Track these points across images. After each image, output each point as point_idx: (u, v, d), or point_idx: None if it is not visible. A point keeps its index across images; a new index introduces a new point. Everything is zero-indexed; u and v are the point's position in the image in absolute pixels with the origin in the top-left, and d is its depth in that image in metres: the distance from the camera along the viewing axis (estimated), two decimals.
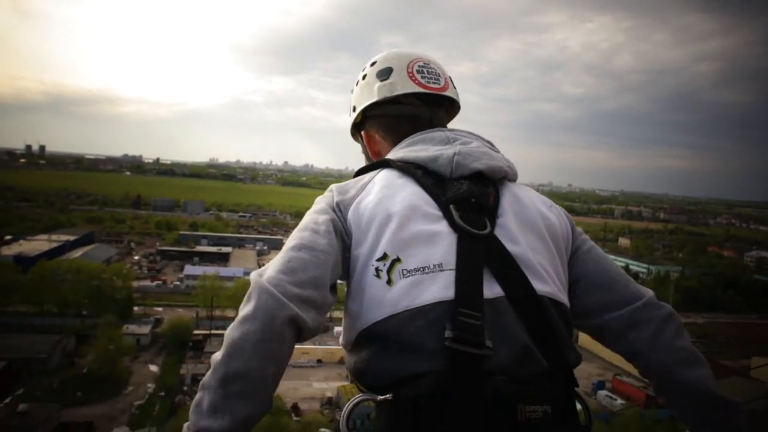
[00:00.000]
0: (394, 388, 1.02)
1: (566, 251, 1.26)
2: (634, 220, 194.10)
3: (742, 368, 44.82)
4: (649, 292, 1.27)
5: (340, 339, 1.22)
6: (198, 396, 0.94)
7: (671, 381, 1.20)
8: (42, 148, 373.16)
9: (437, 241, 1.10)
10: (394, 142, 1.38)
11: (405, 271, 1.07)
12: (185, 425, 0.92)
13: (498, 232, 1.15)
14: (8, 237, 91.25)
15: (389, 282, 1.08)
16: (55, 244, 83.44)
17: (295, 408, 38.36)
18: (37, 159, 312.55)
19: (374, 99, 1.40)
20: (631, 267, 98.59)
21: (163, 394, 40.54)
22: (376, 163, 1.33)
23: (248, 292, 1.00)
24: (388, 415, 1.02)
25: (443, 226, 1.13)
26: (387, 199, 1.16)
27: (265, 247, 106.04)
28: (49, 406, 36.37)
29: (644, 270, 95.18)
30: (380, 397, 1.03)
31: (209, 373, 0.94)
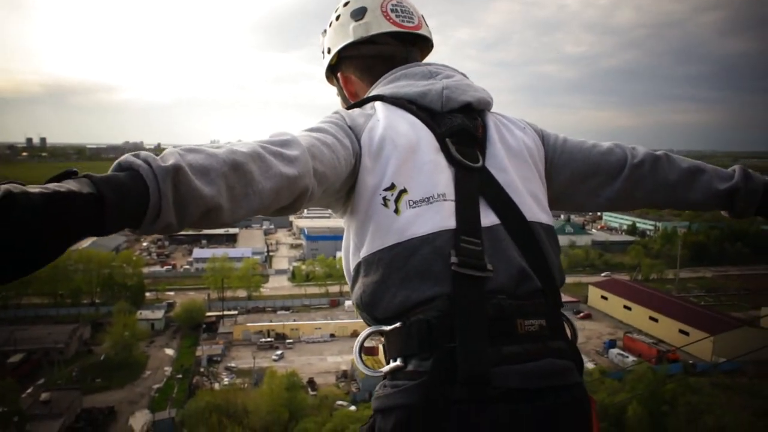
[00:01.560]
0: (402, 316, 1.08)
1: (543, 167, 1.35)
2: None
3: (752, 318, 45.06)
4: (627, 151, 1.42)
5: (344, 268, 1.26)
6: (202, 158, 0.81)
7: (690, 203, 1.42)
8: (43, 140, 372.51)
9: (439, 173, 1.15)
10: (371, 83, 1.39)
11: (411, 202, 1.12)
12: (170, 158, 0.77)
13: (489, 163, 1.21)
14: None
15: (396, 211, 1.12)
16: None
17: (311, 383, 38.89)
18: (38, 151, 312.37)
19: (350, 40, 1.40)
20: (638, 225, 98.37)
21: (180, 376, 41.16)
22: (368, 98, 1.32)
23: (291, 138, 0.97)
24: (398, 341, 1.08)
25: (442, 159, 1.18)
26: (391, 130, 1.17)
27: (272, 226, 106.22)
28: (71, 393, 37.05)
29: (651, 227, 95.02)
30: (388, 328, 1.10)
31: (229, 152, 0.85)
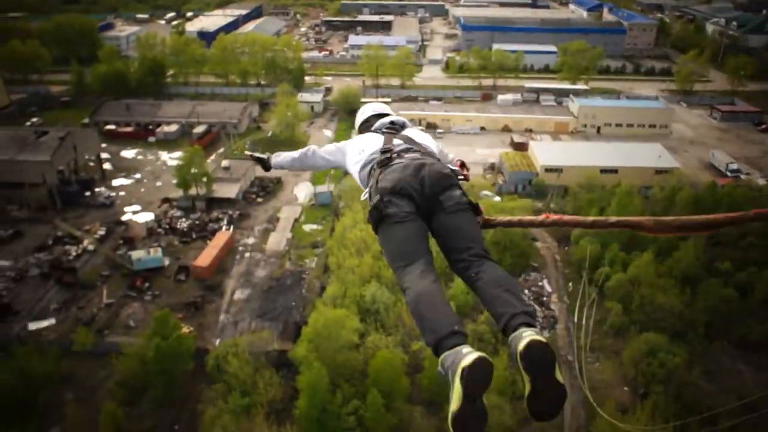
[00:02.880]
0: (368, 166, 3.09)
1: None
2: None
3: None
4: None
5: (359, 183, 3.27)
6: (282, 156, 3.70)
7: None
8: None
9: (378, 139, 3.21)
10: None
11: (367, 151, 3.16)
12: (274, 157, 3.74)
13: (403, 133, 3.29)
14: (190, 13, 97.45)
15: (361, 153, 3.19)
16: (229, 19, 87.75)
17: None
18: None
19: (357, 133, 3.69)
20: None
21: None
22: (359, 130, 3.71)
23: (314, 149, 3.68)
24: (369, 176, 3.04)
25: (379, 136, 3.26)
26: (359, 139, 3.34)
27: (427, 14, 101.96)
28: (245, 163, 41.91)
29: None
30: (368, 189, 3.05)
31: (298, 152, 3.67)
